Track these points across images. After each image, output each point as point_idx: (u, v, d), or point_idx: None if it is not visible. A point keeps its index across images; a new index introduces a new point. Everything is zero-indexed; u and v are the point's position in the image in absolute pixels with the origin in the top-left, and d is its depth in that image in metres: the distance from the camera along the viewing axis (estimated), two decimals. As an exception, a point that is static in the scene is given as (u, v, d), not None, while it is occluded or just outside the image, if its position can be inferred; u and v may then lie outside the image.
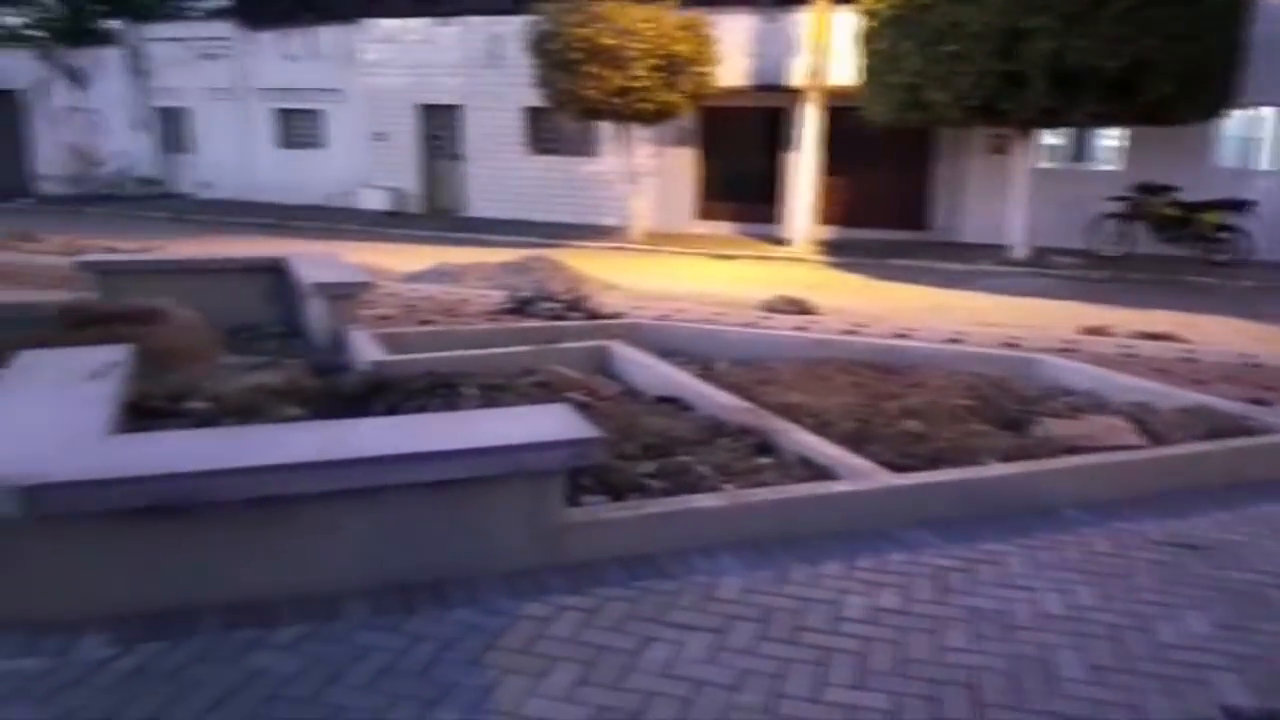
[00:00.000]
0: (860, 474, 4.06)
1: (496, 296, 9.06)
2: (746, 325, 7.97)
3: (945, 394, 5.53)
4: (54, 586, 3.00)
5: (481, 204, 20.44)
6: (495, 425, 3.59)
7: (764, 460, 4.32)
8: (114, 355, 4.41)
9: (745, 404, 4.99)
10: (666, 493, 3.88)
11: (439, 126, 20.95)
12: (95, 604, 3.01)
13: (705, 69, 16.54)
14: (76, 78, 23.33)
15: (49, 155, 23.55)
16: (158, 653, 2.85)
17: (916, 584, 3.43)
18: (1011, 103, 13.60)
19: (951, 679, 2.85)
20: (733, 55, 17.13)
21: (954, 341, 7.59)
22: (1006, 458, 4.41)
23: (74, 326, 6.57)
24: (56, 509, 2.92)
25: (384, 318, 7.89)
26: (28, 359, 4.40)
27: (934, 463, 4.30)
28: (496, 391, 5.22)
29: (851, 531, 3.77)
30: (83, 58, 23.48)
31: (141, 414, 4.32)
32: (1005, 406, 5.34)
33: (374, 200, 20.71)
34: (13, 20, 27.98)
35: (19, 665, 2.77)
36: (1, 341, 6.03)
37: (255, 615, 3.04)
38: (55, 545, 2.98)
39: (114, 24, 24.68)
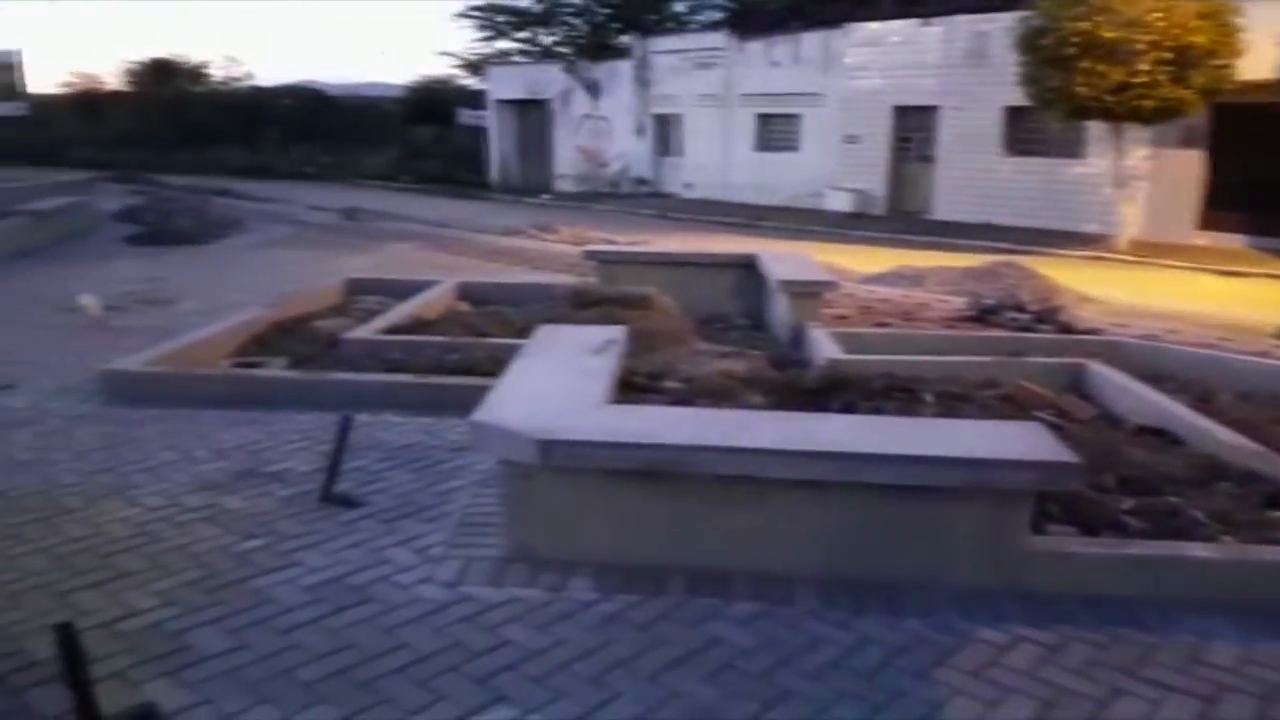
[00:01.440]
0: None
1: (957, 303, 8.74)
2: (1259, 355, 6.86)
3: None
4: (555, 530, 3.46)
5: (948, 206, 19.80)
6: (959, 436, 3.47)
7: (1277, 514, 3.70)
8: (613, 334, 4.95)
9: (1255, 445, 4.31)
10: (1148, 535, 3.48)
11: (910, 128, 20.67)
12: (584, 551, 3.43)
13: (1225, 61, 14.45)
14: (592, 88, 26.52)
15: (565, 157, 27.10)
16: (631, 604, 3.17)
17: None
18: None
19: None
20: (1262, 45, 14.77)
21: None
22: None
23: (579, 306, 7.52)
24: (563, 463, 3.37)
25: (841, 317, 7.98)
26: (545, 332, 5.11)
27: None
28: (955, 401, 5.03)
29: (1396, 616, 3.10)
30: (599, 70, 26.62)
31: (626, 387, 4.80)
32: None
33: (839, 202, 21.00)
34: (546, 39, 32.56)
35: (523, 594, 3.24)
36: (526, 316, 7.10)
37: (715, 585, 3.26)
38: (559, 494, 3.43)
39: (626, 39, 27.63)
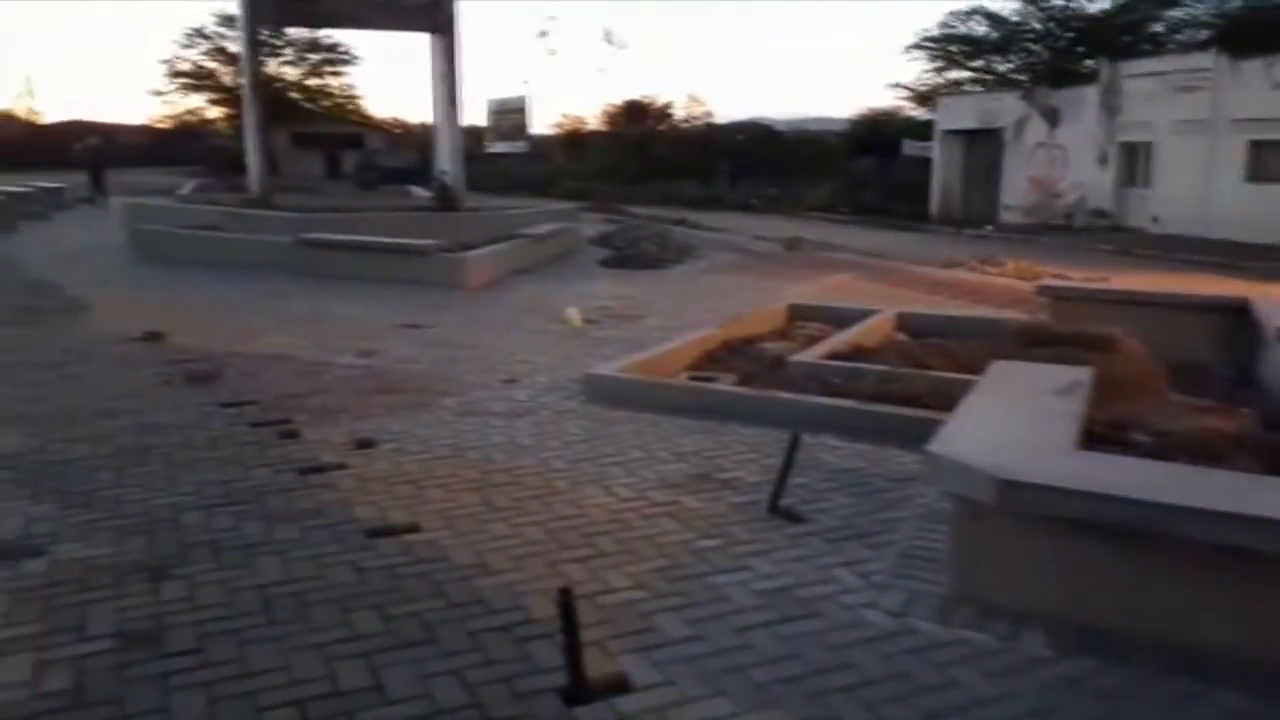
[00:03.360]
0: None
1: None
2: None
3: None
4: (1006, 575, 3.31)
5: None
6: None
7: None
8: (1077, 376, 4.63)
9: None
10: None
11: None
12: (1037, 602, 3.23)
13: None
14: (1050, 116, 24.93)
15: (1013, 187, 25.73)
16: (1091, 670, 2.93)
17: None
18: None
19: None
20: None
21: None
22: None
23: (1030, 344, 7.10)
24: (1022, 506, 3.21)
25: (1363, 379, 6.70)
26: (999, 369, 4.91)
27: None
28: None
29: None
30: (1058, 97, 24.98)
31: (1084, 436, 4.44)
32: None
33: (1357, 242, 17.67)
34: (1002, 67, 31.23)
35: (972, 637, 3.13)
36: (970, 351, 6.87)
37: (1189, 664, 2.91)
38: (1014, 538, 3.28)
39: (1091, 63, 25.64)
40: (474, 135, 31.68)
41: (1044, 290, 8.82)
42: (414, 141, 43.13)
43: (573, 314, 9.00)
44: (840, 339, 7.33)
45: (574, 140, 42.82)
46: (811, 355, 6.70)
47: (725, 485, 4.49)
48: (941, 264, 14.93)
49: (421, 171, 25.60)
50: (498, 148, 35.03)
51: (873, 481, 4.59)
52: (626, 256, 14.22)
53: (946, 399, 5.61)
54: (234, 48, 40.58)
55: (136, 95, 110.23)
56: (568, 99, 66.72)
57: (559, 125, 45.38)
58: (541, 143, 40.50)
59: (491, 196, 24.24)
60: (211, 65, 44.24)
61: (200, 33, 43.54)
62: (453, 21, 16.22)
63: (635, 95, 41.94)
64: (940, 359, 6.79)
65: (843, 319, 8.23)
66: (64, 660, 2.88)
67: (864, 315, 8.35)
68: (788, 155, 35.10)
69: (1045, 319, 8.26)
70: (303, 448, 4.99)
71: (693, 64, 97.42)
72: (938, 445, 3.49)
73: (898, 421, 5.25)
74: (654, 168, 34.55)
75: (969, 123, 27.21)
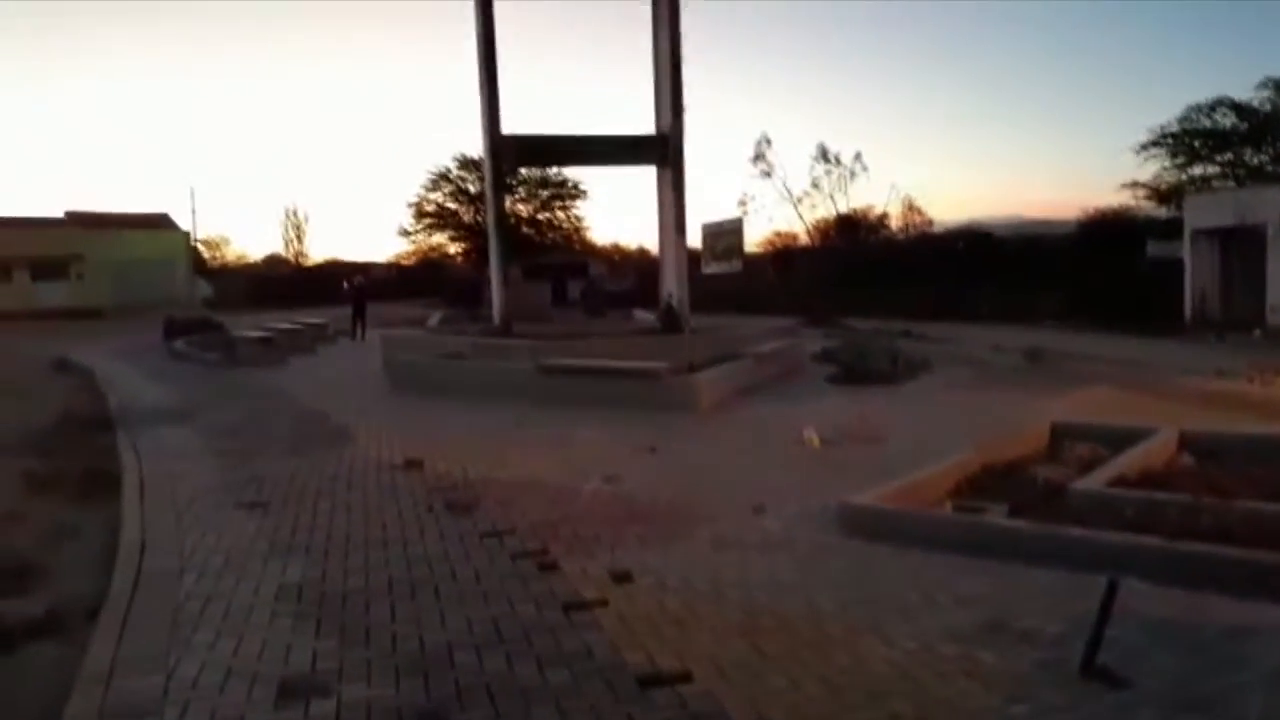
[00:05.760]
0: None
1: None
2: None
3: None
4: None
5: None
6: None
7: None
8: None
9: None
10: None
11: None
12: None
13: None
14: (1321, 208, 22.59)
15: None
16: None
17: None
18: None
19: None
20: None
21: None
22: None
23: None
24: None
25: None
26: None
27: None
28: None
29: None
30: (1328, 186, 22.68)
31: None
32: None
33: None
34: (1255, 159, 28.89)
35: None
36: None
37: None
38: None
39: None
40: (690, 257, 32.42)
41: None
42: (631, 266, 44.73)
43: (811, 435, 8.70)
44: (1123, 462, 6.65)
45: (785, 256, 43.01)
46: (1096, 483, 6.07)
47: (1022, 638, 4.01)
48: (1212, 374, 13.54)
49: (641, 294, 26.25)
50: (712, 269, 35.68)
51: (1199, 635, 3.97)
52: (854, 372, 13.78)
53: (1267, 535, 4.89)
54: (473, 189, 44.17)
55: (380, 233, 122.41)
56: (780, 215, 67.11)
57: (770, 243, 45.89)
58: (750, 260, 40.88)
59: (704, 316, 24.47)
60: (453, 205, 48.26)
61: (444, 176, 47.79)
62: (680, 154, 16.80)
63: (849, 208, 41.75)
64: (1247, 486, 5.99)
65: (1116, 439, 7.50)
66: (360, 815, 2.83)
67: (1142, 435, 7.57)
68: (1012, 260, 33.58)
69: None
70: (563, 580, 4.93)
71: (908, 171, 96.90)
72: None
73: (1216, 563, 4.60)
74: (867, 279, 33.96)
75: (1224, 220, 25.10)
